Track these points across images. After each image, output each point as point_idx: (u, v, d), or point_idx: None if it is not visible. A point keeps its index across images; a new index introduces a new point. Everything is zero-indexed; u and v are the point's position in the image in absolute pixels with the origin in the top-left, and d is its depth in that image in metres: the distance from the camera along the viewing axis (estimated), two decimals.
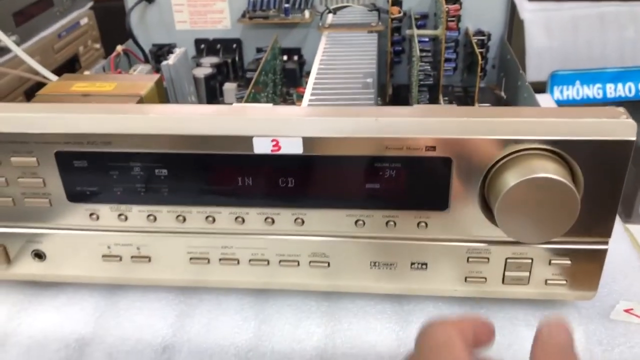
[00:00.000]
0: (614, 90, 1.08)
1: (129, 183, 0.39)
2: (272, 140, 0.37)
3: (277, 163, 0.38)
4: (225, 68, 0.66)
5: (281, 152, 0.37)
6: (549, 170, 0.34)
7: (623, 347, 0.40)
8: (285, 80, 0.66)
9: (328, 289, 0.44)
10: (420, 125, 0.36)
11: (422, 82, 0.57)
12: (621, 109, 0.36)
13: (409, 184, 0.38)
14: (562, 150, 0.35)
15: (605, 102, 1.05)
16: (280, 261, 0.42)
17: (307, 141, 0.37)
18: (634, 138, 0.35)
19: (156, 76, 0.50)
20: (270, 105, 0.39)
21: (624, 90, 1.08)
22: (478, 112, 0.37)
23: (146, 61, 0.67)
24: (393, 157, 0.37)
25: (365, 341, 0.41)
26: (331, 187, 0.39)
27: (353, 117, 0.36)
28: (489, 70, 0.66)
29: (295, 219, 0.40)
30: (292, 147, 0.37)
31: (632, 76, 1.06)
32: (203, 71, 0.62)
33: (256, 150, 0.37)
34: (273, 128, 0.37)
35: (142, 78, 0.53)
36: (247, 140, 0.37)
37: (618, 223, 0.52)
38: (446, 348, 0.27)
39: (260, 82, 0.55)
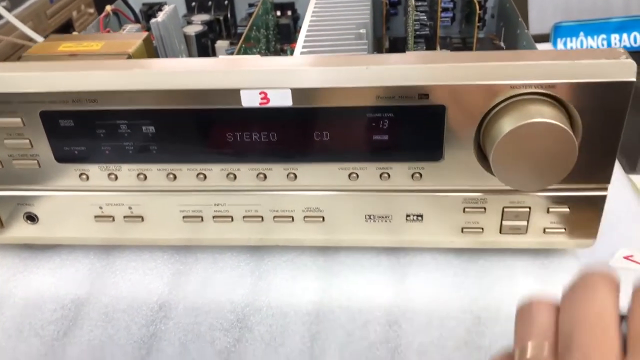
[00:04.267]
0: (618, 40, 1.06)
1: (116, 141, 0.39)
2: (260, 93, 0.36)
3: (266, 116, 0.37)
4: (217, 25, 0.64)
5: (270, 104, 0.36)
6: (546, 114, 0.33)
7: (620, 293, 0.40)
8: (280, 37, 0.64)
9: (323, 243, 0.43)
10: (412, 72, 0.35)
11: (418, 33, 0.55)
12: (621, 49, 0.34)
13: (402, 134, 0.37)
14: (559, 94, 0.34)
15: None
16: (274, 217, 0.41)
17: (296, 92, 0.36)
18: (633, 79, 0.33)
19: (145, 34, 0.49)
20: (257, 56, 0.38)
21: (629, 39, 1.06)
22: (471, 57, 0.35)
23: (137, 21, 0.65)
24: (385, 107, 0.36)
25: (362, 294, 0.41)
26: (322, 140, 0.38)
27: (343, 66, 0.35)
28: (488, 20, 0.64)
29: (288, 174, 0.39)
30: (281, 99, 0.36)
31: (637, 25, 1.03)
32: (194, 29, 0.60)
33: (244, 103, 0.36)
34: (261, 80, 0.36)
35: (130, 36, 0.51)
36: (235, 93, 0.36)
37: (621, 173, 0.51)
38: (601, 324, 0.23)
39: (252, 37, 0.53)
